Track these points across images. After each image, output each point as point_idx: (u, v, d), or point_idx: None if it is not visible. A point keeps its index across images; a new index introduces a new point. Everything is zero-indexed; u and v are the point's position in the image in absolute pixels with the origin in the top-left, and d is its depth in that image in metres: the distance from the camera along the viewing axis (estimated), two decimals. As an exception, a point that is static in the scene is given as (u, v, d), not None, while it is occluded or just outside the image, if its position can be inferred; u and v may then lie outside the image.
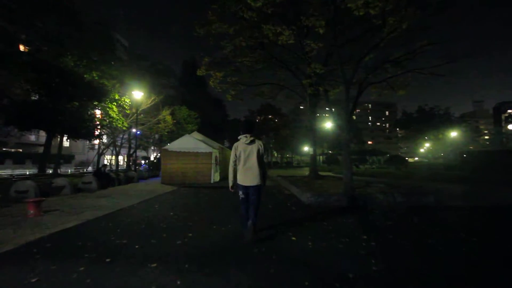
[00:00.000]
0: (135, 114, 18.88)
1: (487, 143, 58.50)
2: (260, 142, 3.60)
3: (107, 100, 14.77)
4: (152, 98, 19.18)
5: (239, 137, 3.60)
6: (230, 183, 3.65)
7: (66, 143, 43.44)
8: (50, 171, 17.10)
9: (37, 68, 11.36)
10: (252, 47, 11.90)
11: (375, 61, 8.20)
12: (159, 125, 20.64)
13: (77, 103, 13.68)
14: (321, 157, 57.67)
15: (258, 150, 3.51)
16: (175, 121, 21.57)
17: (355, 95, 7.99)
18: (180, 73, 41.29)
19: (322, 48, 7.83)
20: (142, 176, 16.25)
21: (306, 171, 25.05)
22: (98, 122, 14.98)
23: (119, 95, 15.76)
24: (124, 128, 17.69)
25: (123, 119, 16.29)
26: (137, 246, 3.15)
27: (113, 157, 29.69)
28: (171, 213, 5.16)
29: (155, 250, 3.05)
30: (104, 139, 23.36)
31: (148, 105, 19.34)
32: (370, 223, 4.43)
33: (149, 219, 4.67)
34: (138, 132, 19.06)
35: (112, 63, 16.94)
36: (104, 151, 20.12)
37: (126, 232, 3.82)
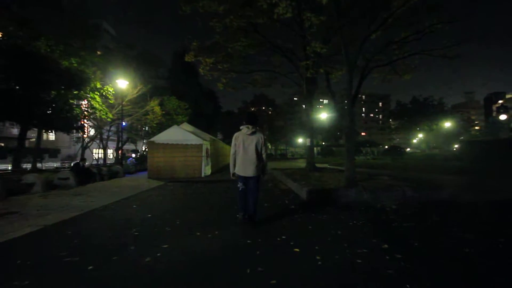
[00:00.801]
0: (122, 105, 17.80)
1: (477, 133, 59.14)
2: (261, 135, 3.59)
3: (87, 89, 13.62)
4: (139, 87, 18.01)
5: (241, 127, 3.62)
6: (232, 171, 3.71)
7: (52, 136, 41.88)
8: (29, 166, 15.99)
9: (6, 53, 10.20)
10: (244, 29, 10.95)
11: (381, 41, 7.43)
12: (148, 117, 19.55)
13: (54, 92, 12.53)
14: (315, 148, 57.42)
15: (258, 142, 3.53)
16: (164, 112, 20.48)
17: (358, 79, 7.22)
18: (171, 63, 39.77)
19: (323, 23, 6.98)
20: (128, 170, 15.33)
21: (301, 163, 24.42)
22: (78, 113, 13.85)
23: (101, 84, 14.59)
24: (108, 119, 16.59)
25: (106, 109, 15.17)
26: (90, 267, 2.36)
27: (101, 151, 28.48)
28: (149, 215, 4.36)
29: (112, 272, 2.27)
30: (90, 131, 22.19)
31: (135, 95, 18.18)
32: (385, 224, 3.73)
33: (121, 224, 3.88)
34: (124, 124, 17.96)
35: (96, 51, 15.73)
36: (89, 144, 18.99)
37: (84, 244, 3.02)
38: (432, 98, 43.71)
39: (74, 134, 20.83)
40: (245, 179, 3.55)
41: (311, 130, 11.60)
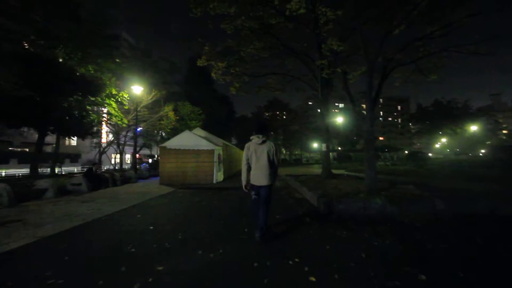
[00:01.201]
0: (136, 111, 18.04)
1: (504, 137, 55.32)
2: (272, 143, 3.61)
3: (103, 95, 13.86)
4: (153, 93, 18.21)
5: (251, 137, 3.64)
6: (244, 183, 3.66)
7: (74, 142, 43.57)
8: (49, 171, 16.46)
9: (25, 60, 10.53)
10: (256, 31, 10.69)
11: (402, 39, 6.85)
12: (162, 122, 19.70)
13: (72, 98, 12.83)
14: (331, 154, 56.00)
15: (269, 150, 3.54)
16: (178, 117, 20.58)
17: (378, 80, 6.65)
18: (186, 70, 40.39)
19: (339, 20, 6.51)
20: (142, 175, 15.35)
21: (316, 169, 23.67)
22: (94, 119, 14.11)
23: (117, 90, 14.82)
24: (124, 125, 16.84)
25: (122, 115, 15.38)
26: (70, 294, 2.04)
27: (119, 156, 29.17)
28: (151, 227, 4.05)
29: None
30: (106, 137, 22.67)
31: (149, 101, 18.39)
32: (418, 246, 3.18)
33: (119, 237, 3.58)
34: (139, 129, 18.17)
35: (112, 58, 16.04)
36: (106, 150, 19.38)
37: (74, 263, 2.72)
38: (455, 101, 41.46)
39: (93, 140, 21.37)
40: (258, 188, 3.54)
41: (327, 134, 11.03)
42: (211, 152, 11.49)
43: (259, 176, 3.51)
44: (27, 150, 30.72)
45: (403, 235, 3.58)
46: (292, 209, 5.33)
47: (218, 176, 11.93)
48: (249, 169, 3.64)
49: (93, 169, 9.96)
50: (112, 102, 14.72)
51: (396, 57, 6.65)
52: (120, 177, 11.83)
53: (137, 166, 15.79)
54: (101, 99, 14.56)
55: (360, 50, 6.33)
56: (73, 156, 35.41)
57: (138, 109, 18.43)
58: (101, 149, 19.18)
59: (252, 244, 3.21)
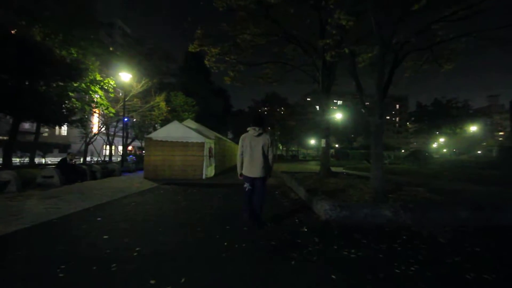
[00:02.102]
0: (124, 100, 17.01)
1: (500, 139, 55.21)
2: (268, 136, 3.59)
3: (87, 81, 12.79)
4: (143, 81, 17.12)
5: (247, 129, 3.62)
6: (239, 171, 3.70)
7: (64, 131, 42.25)
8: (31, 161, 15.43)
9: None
10: (252, 13, 9.74)
11: (419, 22, 5.97)
12: (153, 113, 18.67)
13: (53, 84, 11.78)
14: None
15: (265, 143, 3.54)
16: (169, 108, 19.54)
17: (390, 67, 5.78)
18: (182, 60, 39.15)
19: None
20: (128, 168, 14.44)
21: (313, 166, 22.94)
22: (78, 106, 13.05)
23: (102, 77, 13.74)
24: (111, 114, 15.79)
25: (107, 103, 14.33)
26: None
27: (109, 147, 27.91)
28: (106, 236, 3.17)
29: None
30: (98, 127, 21.55)
31: (139, 90, 17.33)
32: (453, 273, 2.36)
33: (55, 254, 2.69)
34: (126, 119, 17.16)
35: (101, 41, 14.89)
36: (92, 140, 18.34)
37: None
38: (455, 101, 40.88)
39: (81, 129, 20.30)
40: (251, 180, 3.57)
41: (327, 130, 10.19)
42: (201, 145, 10.60)
43: (253, 168, 3.52)
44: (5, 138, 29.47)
45: (429, 254, 2.76)
46: (287, 215, 4.48)
47: (208, 171, 11.06)
48: (243, 160, 3.63)
49: (67, 159, 9.01)
50: (97, 89, 13.65)
51: (411, 41, 5.77)
52: (102, 169, 10.90)
53: (124, 159, 14.84)
54: (85, 85, 13.50)
55: (369, 31, 5.44)
56: (62, 146, 34.19)
57: (127, 98, 17.41)
58: (88, 139, 18.13)
59: (234, 265, 2.36)
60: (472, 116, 40.07)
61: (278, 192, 6.99)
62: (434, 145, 63.99)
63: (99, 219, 4.02)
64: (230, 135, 49.10)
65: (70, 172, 8.76)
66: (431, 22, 5.54)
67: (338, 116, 30.02)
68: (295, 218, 4.20)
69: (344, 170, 15.18)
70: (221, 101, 41.04)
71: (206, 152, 10.79)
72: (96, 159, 22.11)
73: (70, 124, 13.45)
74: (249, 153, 3.54)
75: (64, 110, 11.73)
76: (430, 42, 5.96)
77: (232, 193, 6.86)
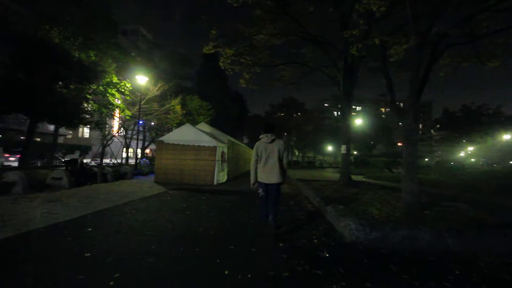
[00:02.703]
0: (142, 102, 17.09)
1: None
2: (281, 142, 3.67)
3: (103, 83, 12.87)
4: (159, 85, 17.12)
5: (260, 136, 3.70)
6: (252, 181, 3.74)
7: (86, 133, 43.85)
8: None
9: (18, 41, 9.66)
10: (270, 10, 9.27)
11: (460, 14, 5.19)
12: (168, 116, 18.63)
13: (72, 86, 11.93)
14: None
15: (279, 149, 3.61)
16: (184, 111, 19.43)
17: (427, 63, 5.00)
18: (200, 65, 39.64)
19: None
20: (141, 171, 14.30)
21: (330, 173, 21.88)
22: (95, 109, 13.16)
23: (119, 79, 13.80)
24: (127, 117, 15.86)
25: (123, 106, 14.37)
26: None
27: (130, 150, 28.30)
28: (88, 254, 2.69)
29: None
30: (117, 129, 21.87)
31: (155, 93, 17.34)
32: None
33: (24, 274, 2.24)
34: (141, 122, 17.17)
35: (118, 44, 15.08)
36: (109, 142, 18.55)
37: None
38: (486, 107, 38.16)
39: (101, 132, 20.70)
40: (266, 186, 3.62)
41: (348, 135, 9.40)
42: (213, 149, 10.15)
43: (268, 174, 3.58)
44: (39, 139, 30.78)
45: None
46: (303, 233, 3.83)
47: (220, 176, 10.57)
48: (257, 168, 3.71)
49: (78, 161, 8.86)
50: (113, 92, 13.72)
51: (451, 33, 4.98)
52: (114, 172, 10.74)
53: (137, 161, 14.76)
54: (102, 87, 13.62)
55: (403, 19, 4.73)
56: (84, 148, 35.32)
57: (143, 101, 17.49)
58: (105, 141, 18.35)
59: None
60: (506, 124, 37.08)
61: (293, 203, 6.33)
62: (461, 154, 60.19)
63: (89, 229, 3.58)
64: (245, 140, 48.86)
65: (80, 174, 8.59)
66: (475, 12, 4.74)
67: (357, 122, 28.74)
68: (313, 237, 3.54)
69: (363, 179, 14.17)
70: (237, 106, 40.93)
71: (218, 156, 10.33)
72: (113, 161, 22.39)
73: (84, 125, 13.53)
74: (264, 160, 3.62)
75: (80, 112, 11.79)
76: (472, 35, 5.12)
77: (242, 202, 6.28)
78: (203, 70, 38.42)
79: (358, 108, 78.62)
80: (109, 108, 14.73)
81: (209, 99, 26.63)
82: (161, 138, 10.47)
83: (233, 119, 38.57)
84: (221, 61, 11.75)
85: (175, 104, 18.50)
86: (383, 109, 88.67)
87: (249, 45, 11.07)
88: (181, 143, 10.16)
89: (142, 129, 24.61)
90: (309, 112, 41.05)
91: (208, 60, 38.42)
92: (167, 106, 17.84)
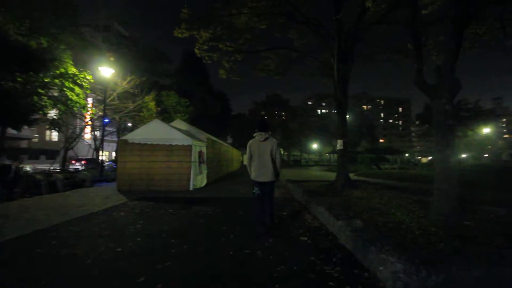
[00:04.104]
0: (110, 98, 15.17)
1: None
2: (274, 140, 3.65)
3: (56, 75, 10.86)
4: (128, 79, 15.16)
5: (254, 135, 3.65)
6: (252, 176, 3.68)
7: (55, 136, 40.30)
8: None
9: None
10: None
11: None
12: (141, 114, 16.69)
13: (20, 78, 9.91)
14: (332, 156, 53.21)
15: (272, 147, 3.58)
16: (159, 108, 17.57)
17: (453, 32, 3.76)
18: (179, 62, 37.63)
19: None
20: (107, 177, 12.41)
21: (318, 172, 20.79)
22: (46, 104, 11.10)
23: (79, 70, 11.80)
24: (91, 115, 13.89)
25: (84, 102, 12.38)
26: None
27: (106, 153, 25.69)
28: None
29: None
30: (90, 130, 19.49)
31: (125, 88, 15.37)
32: None
33: None
34: (106, 120, 15.18)
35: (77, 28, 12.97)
36: (72, 145, 16.36)
37: None
38: (465, 101, 38.95)
39: (57, 132, 18.36)
40: (261, 184, 3.57)
41: (344, 128, 8.17)
42: (188, 148, 8.57)
43: (262, 173, 3.55)
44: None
45: None
46: (310, 271, 2.42)
47: (198, 180, 9.01)
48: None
49: (12, 168, 6.97)
50: (71, 85, 11.70)
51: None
52: (67, 179, 8.89)
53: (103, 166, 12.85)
54: (58, 80, 11.57)
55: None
56: (50, 152, 32.13)
57: (111, 98, 15.52)
58: (68, 144, 16.14)
59: None
60: (484, 118, 38.04)
61: (287, 214, 4.93)
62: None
63: None
64: (229, 140, 47.11)
65: (13, 185, 6.73)
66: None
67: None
68: (329, 283, 2.14)
69: (355, 177, 13.09)
70: (220, 104, 39.12)
71: (194, 157, 8.76)
72: (80, 166, 20.03)
73: (29, 125, 11.44)
74: (258, 158, 3.58)
75: (29, 109, 9.76)
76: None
77: (222, 216, 4.80)
78: (183, 67, 36.42)
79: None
80: (67, 104, 12.67)
81: (189, 96, 24.79)
82: (125, 137, 8.75)
83: (215, 118, 36.76)
84: (196, 47, 10.20)
85: (149, 100, 16.60)
86: (364, 107, 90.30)
87: (228, 27, 9.57)
88: (149, 142, 8.48)
89: (115, 130, 22.41)
90: (294, 109, 40.07)
91: (189, 57, 36.49)
92: (139, 102, 15.91)
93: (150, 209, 5.33)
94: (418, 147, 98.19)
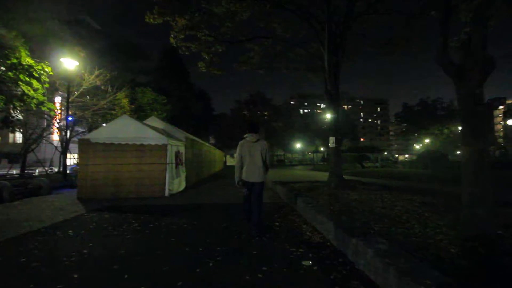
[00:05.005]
0: (76, 94, 13.72)
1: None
2: (265, 142, 3.77)
3: (8, 65, 9.35)
4: (96, 73, 13.66)
5: (245, 136, 3.75)
6: (237, 180, 3.76)
7: (19, 139, 36.97)
8: None
9: None
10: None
11: None
12: (113, 112, 15.20)
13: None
14: (315, 155, 53.37)
15: (263, 148, 3.68)
16: (133, 105, 16.14)
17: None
18: (159, 60, 35.98)
19: None
20: (71, 182, 10.99)
21: (304, 171, 20.21)
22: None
23: (35, 62, 10.29)
24: (51, 112, 12.31)
25: (42, 97, 10.85)
26: None
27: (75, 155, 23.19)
28: None
29: None
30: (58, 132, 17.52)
31: (92, 84, 13.85)
32: None
33: None
34: (71, 118, 13.63)
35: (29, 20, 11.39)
36: (32, 147, 14.58)
37: None
38: (441, 101, 40.52)
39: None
40: (250, 185, 3.65)
41: (336, 124, 7.51)
42: (163, 148, 7.51)
43: (252, 173, 3.62)
44: None
45: None
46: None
47: (175, 184, 7.98)
48: (241, 166, 3.71)
49: None
50: (26, 78, 10.16)
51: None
52: (18, 187, 7.53)
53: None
54: (12, 73, 10.02)
55: None
56: (13, 156, 29.19)
57: (77, 93, 14.00)
58: (27, 146, 14.35)
59: None
60: (457, 116, 39.68)
61: (279, 224, 4.10)
62: (418, 147, 64.30)
63: None
64: (211, 141, 45.65)
65: None
66: None
67: (328, 116, 27.85)
68: None
69: (344, 177, 12.59)
70: (201, 103, 37.70)
71: (171, 158, 7.72)
72: (47, 170, 18.03)
73: None
74: (249, 159, 3.64)
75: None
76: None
77: (200, 231, 3.88)
78: (162, 65, 34.77)
79: (323, 106, 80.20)
80: (24, 100, 11.07)
81: (168, 95, 23.34)
82: (86, 136, 7.52)
83: (196, 117, 35.35)
84: (171, 35, 9.15)
85: (121, 97, 15.17)
86: (345, 106, 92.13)
87: (206, 13, 8.62)
88: (116, 142, 7.32)
89: (86, 130, 20.52)
90: (278, 108, 39.55)
91: (168, 54, 34.89)
92: (109, 98, 14.44)
93: (110, 223, 4.29)
94: (396, 145, 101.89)
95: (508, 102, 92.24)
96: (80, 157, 7.38)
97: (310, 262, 2.55)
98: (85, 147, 7.31)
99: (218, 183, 11.04)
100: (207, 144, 18.53)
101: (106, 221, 4.41)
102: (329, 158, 7.58)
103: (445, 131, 37.60)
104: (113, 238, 3.50)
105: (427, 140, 46.28)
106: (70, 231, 3.84)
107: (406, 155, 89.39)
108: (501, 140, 60.43)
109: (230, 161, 35.68)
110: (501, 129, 63.25)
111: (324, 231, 3.46)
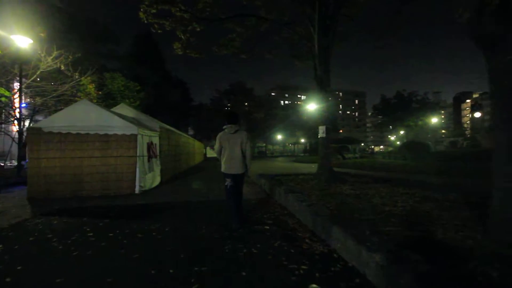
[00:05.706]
0: (21, 76, 12.05)
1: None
2: (245, 133, 3.63)
3: None
4: (55, 53, 11.96)
5: (223, 127, 3.61)
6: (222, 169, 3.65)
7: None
8: None
9: None
10: None
11: None
12: (77, 99, 13.59)
13: None
14: (296, 147, 53.66)
15: (242, 140, 3.56)
16: (100, 92, 14.57)
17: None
18: (132, 45, 33.50)
19: None
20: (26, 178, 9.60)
21: (286, 163, 19.90)
22: None
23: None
24: (2, 98, 10.64)
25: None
26: None
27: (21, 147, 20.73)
28: None
29: None
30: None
31: (50, 66, 12.15)
32: None
33: None
34: (24, 105, 11.98)
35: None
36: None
37: None
38: (416, 93, 41.92)
39: None
40: (232, 177, 3.54)
41: (327, 111, 6.95)
42: (132, 139, 6.53)
43: (232, 165, 3.53)
44: None
45: None
46: None
47: (147, 180, 7.05)
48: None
49: None
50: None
51: None
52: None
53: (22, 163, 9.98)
54: None
55: None
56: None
57: (34, 76, 12.29)
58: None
59: None
60: (431, 109, 41.38)
61: (269, 227, 3.45)
62: (392, 138, 66.86)
63: None
64: (190, 132, 43.97)
65: None
66: None
67: (309, 109, 27.56)
68: None
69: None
70: (178, 91, 35.83)
71: (142, 150, 6.76)
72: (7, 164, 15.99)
73: None
74: (228, 151, 3.55)
75: None
76: None
77: (178, 234, 3.13)
78: (135, 50, 32.38)
79: (304, 97, 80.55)
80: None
81: (142, 82, 21.60)
82: (37, 124, 6.35)
83: (174, 107, 33.56)
84: (141, 9, 8.01)
85: (87, 82, 13.58)
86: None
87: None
88: (74, 132, 6.23)
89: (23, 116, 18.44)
90: (259, 99, 38.75)
91: (142, 40, 32.56)
92: (72, 83, 12.83)
93: (58, 232, 3.40)
94: (372, 137, 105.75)
95: (474, 95, 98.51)
96: (30, 149, 6.21)
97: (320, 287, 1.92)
98: (36, 138, 6.14)
99: (197, 177, 10.21)
100: (185, 135, 17.43)
101: (53, 230, 3.50)
102: (318, 148, 7.03)
103: (420, 123, 39.06)
104: (54, 255, 2.65)
105: (402, 132, 48.08)
106: (0, 246, 2.91)
107: (381, 146, 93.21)
108: (468, 131, 64.43)
109: (210, 153, 34.57)
110: (468, 121, 67.45)
111: (326, 236, 2.86)
